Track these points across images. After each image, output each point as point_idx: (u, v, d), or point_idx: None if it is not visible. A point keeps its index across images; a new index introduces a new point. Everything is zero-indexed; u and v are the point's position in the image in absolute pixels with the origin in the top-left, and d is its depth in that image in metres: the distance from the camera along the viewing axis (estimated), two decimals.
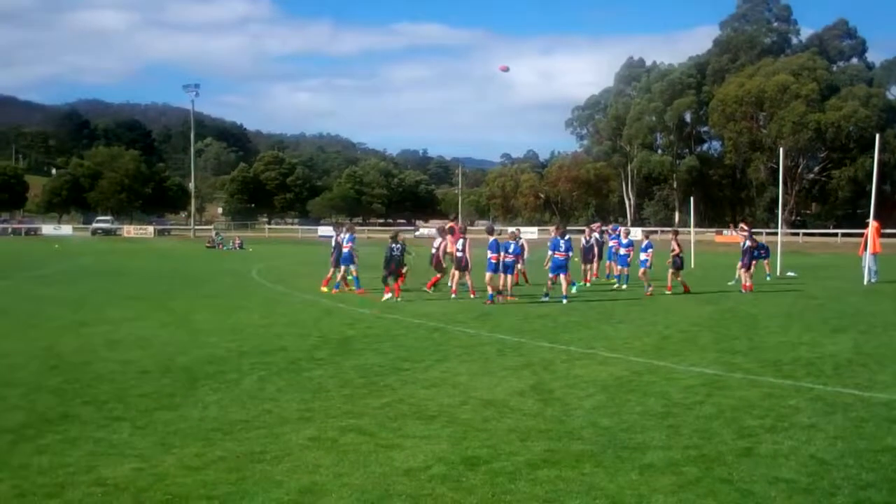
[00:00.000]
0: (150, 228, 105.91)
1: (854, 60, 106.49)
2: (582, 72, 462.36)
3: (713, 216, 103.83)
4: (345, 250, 22.55)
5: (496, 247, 20.55)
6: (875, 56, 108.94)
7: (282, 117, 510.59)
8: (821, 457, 7.32)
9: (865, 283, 26.35)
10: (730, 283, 26.00)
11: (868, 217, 28.02)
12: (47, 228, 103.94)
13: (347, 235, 22.90)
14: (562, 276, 21.16)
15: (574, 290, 22.61)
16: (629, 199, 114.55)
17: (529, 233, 60.11)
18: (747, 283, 24.08)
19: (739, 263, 25.13)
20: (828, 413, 8.94)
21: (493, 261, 20.43)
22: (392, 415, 8.92)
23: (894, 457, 7.33)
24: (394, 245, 21.40)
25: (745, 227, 27.17)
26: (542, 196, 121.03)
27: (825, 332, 15.53)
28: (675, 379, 10.87)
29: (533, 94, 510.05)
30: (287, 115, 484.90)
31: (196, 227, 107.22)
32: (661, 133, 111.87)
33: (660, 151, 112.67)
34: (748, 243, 25.20)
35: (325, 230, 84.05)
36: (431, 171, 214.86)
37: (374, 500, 6.26)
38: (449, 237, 23.15)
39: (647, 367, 11.80)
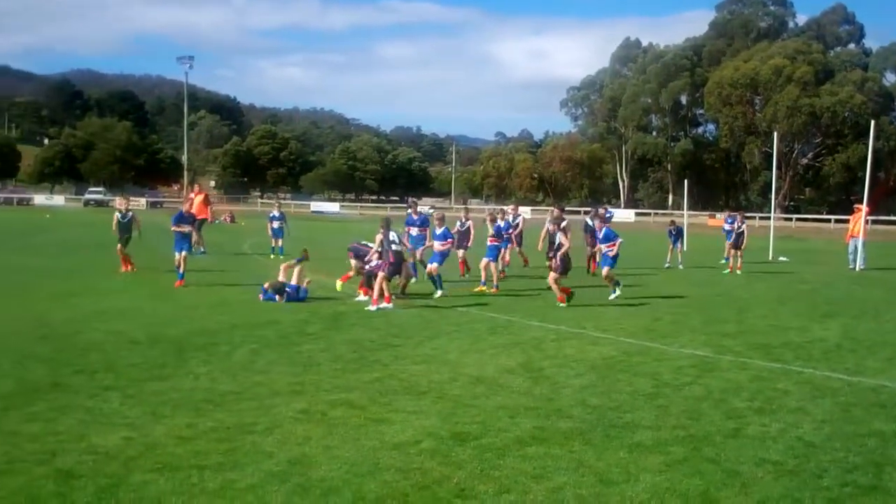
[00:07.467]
0: (143, 200, 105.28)
1: (851, 46, 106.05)
2: (573, 52, 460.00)
3: (706, 199, 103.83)
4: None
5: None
6: (873, 42, 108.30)
7: (275, 91, 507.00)
8: (808, 439, 7.35)
9: (857, 268, 26.28)
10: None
11: (861, 203, 28.02)
12: (39, 198, 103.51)
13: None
14: None
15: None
16: (623, 181, 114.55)
17: (523, 212, 59.55)
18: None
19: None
20: (816, 397, 8.97)
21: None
22: (382, 390, 8.94)
23: (881, 441, 7.37)
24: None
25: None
26: (537, 177, 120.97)
27: (815, 316, 15.56)
28: (664, 360, 10.90)
29: (524, 73, 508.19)
30: (280, 90, 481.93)
31: None
32: (657, 115, 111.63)
33: (654, 133, 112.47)
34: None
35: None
36: (425, 148, 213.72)
37: (364, 472, 6.28)
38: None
39: (638, 347, 11.82)
